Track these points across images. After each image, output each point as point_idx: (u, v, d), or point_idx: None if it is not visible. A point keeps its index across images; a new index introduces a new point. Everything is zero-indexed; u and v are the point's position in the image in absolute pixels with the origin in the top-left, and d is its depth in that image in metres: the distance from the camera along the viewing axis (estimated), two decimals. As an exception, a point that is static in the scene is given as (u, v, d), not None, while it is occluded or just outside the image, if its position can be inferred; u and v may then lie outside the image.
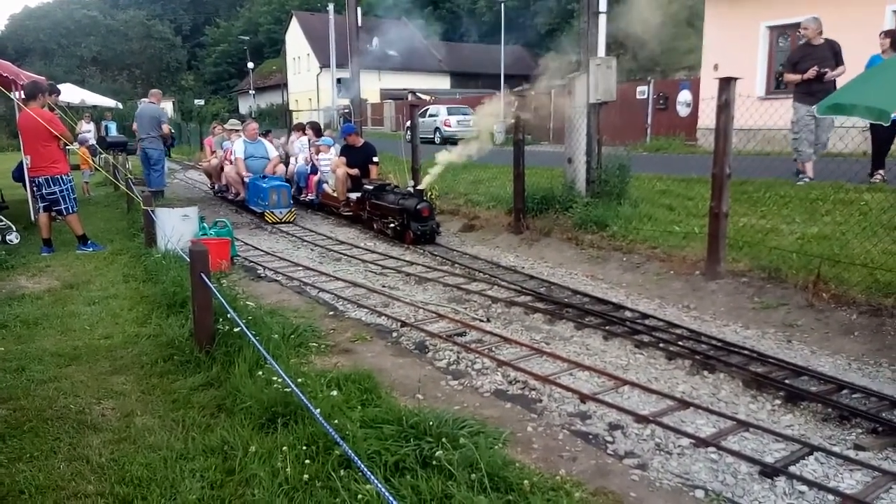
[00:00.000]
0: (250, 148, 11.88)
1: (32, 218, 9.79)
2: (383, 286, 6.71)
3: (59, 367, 4.31)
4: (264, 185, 10.93)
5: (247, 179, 11.41)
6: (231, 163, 12.38)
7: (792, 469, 3.09)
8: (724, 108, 5.73)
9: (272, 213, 10.63)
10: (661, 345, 4.70)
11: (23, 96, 8.06)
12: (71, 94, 20.17)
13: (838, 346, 4.67)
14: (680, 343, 4.74)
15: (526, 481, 2.70)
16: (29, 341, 4.81)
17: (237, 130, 13.27)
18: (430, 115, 28.62)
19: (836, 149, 7.93)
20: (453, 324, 5.43)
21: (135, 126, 13.05)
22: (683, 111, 19.40)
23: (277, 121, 37.90)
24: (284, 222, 10.58)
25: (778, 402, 3.86)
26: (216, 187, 14.08)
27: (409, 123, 11.76)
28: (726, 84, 5.74)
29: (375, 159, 11.05)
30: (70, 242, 8.37)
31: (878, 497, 2.87)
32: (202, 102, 58.82)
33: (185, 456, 3.11)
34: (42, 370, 4.23)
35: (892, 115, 3.68)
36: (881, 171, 8.44)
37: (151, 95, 13.27)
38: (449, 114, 28.10)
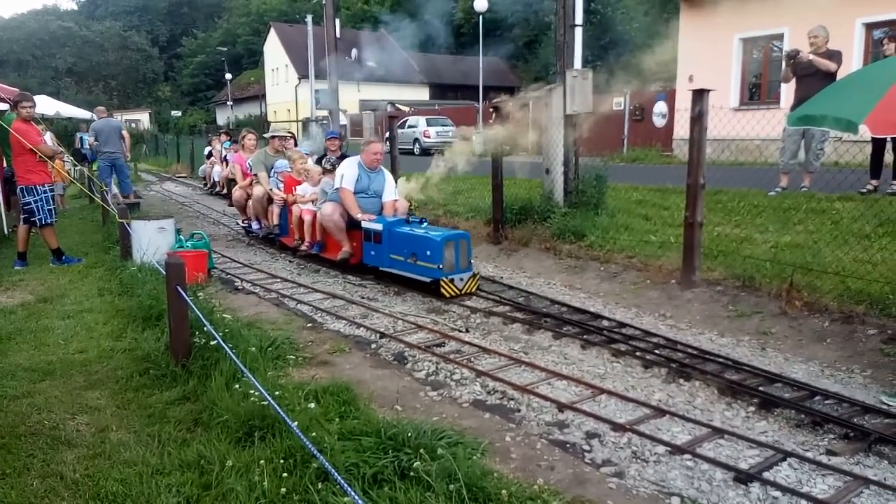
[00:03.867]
0: (365, 178, 7.54)
1: (5, 231, 9.66)
2: (362, 297, 6.71)
3: (32, 382, 4.25)
4: (432, 235, 6.42)
5: (366, 221, 7.18)
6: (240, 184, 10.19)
7: (766, 475, 3.14)
8: (698, 119, 5.81)
9: (449, 281, 6.25)
10: (637, 353, 4.74)
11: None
12: (46, 105, 19.92)
13: (811, 353, 4.74)
14: (656, 352, 4.79)
15: (504, 491, 2.71)
16: (1, 356, 4.74)
17: (282, 137, 10.12)
18: (410, 126, 28.69)
19: (842, 160, 8.00)
20: (432, 334, 5.44)
21: (93, 140, 13.59)
22: (659, 122, 19.64)
23: (256, 132, 37.72)
24: (466, 293, 6.43)
25: (752, 409, 3.91)
26: (255, 226, 9.91)
27: (388, 134, 11.64)
28: (700, 96, 5.83)
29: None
30: (44, 256, 8.27)
31: (849, 501, 2.91)
32: (179, 114, 58.48)
33: (160, 471, 3.08)
34: (15, 385, 4.17)
35: (860, 126, 3.75)
36: (873, 181, 8.48)
37: (101, 111, 14.33)
38: (428, 125, 28.20)
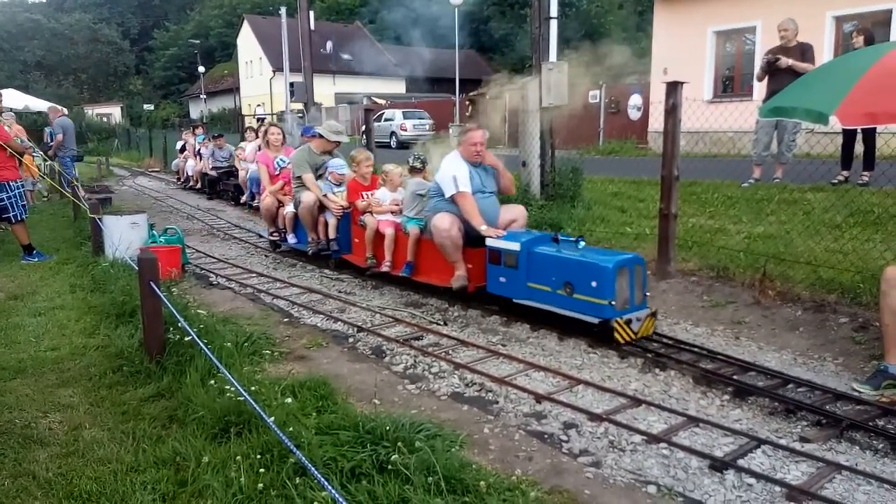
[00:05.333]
0: (476, 176, 5.87)
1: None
2: (339, 291, 6.67)
3: (2, 380, 4.17)
4: (599, 259, 4.77)
5: (492, 238, 5.42)
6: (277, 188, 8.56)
7: (740, 462, 3.18)
8: (672, 111, 5.85)
9: (625, 323, 4.64)
10: (613, 344, 4.78)
11: None
12: (14, 99, 19.53)
13: (784, 342, 4.81)
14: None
15: (482, 482, 2.72)
16: (-30, 355, 4.65)
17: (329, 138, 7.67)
18: (386, 120, 28.60)
19: (814, 151, 8.10)
20: (410, 328, 5.43)
21: (61, 138, 13.93)
22: (634, 115, 19.78)
23: (230, 125, 37.37)
24: (641, 337, 4.80)
25: (727, 397, 3.96)
26: (292, 239, 8.21)
27: (364, 127, 11.53)
28: (673, 88, 5.87)
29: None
30: (14, 252, 8.12)
31: (822, 487, 2.96)
32: (151, 107, 57.68)
33: (135, 468, 3.04)
34: (-16, 385, 4.09)
35: (831, 118, 3.80)
36: (844, 172, 8.59)
37: (56, 110, 14.90)
38: (405, 118, 28.12)
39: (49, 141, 18.04)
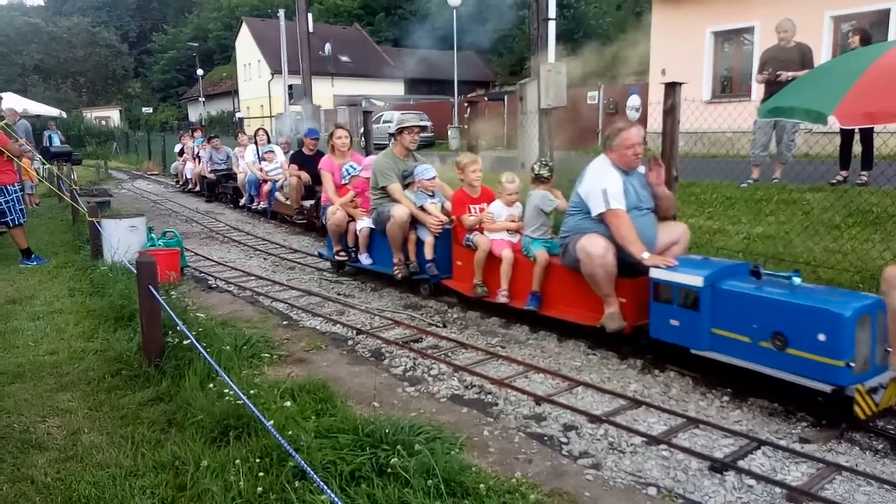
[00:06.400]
0: (631, 189, 4.73)
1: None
2: (338, 294, 6.67)
3: (1, 385, 4.16)
4: (829, 303, 3.53)
5: (660, 268, 4.25)
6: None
7: (740, 464, 3.18)
8: (670, 112, 5.84)
9: (865, 391, 3.38)
10: (615, 345, 4.77)
11: None
12: (12, 103, 19.52)
13: (783, 342, 4.79)
14: (632, 343, 4.81)
15: (482, 485, 2.71)
16: (-32, 360, 4.64)
17: (414, 129, 6.76)
18: (385, 122, 28.58)
19: (812, 151, 8.09)
20: (409, 330, 5.43)
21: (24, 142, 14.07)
22: (633, 116, 19.76)
23: (228, 128, 37.36)
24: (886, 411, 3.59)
25: (726, 398, 3.95)
26: (366, 260, 7.13)
27: (362, 130, 11.51)
28: (672, 89, 5.86)
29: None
30: (12, 256, 8.11)
31: (822, 488, 2.96)
32: (150, 110, 57.65)
33: (134, 473, 3.03)
34: (-17, 389, 4.08)
35: (829, 118, 3.80)
36: (843, 172, 8.59)
37: (14, 114, 14.35)
38: (403, 120, 28.04)
39: (48, 144, 18.07)
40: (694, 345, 4.06)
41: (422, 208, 6.27)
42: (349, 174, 7.50)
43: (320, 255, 7.95)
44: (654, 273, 4.23)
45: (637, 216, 4.58)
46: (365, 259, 7.06)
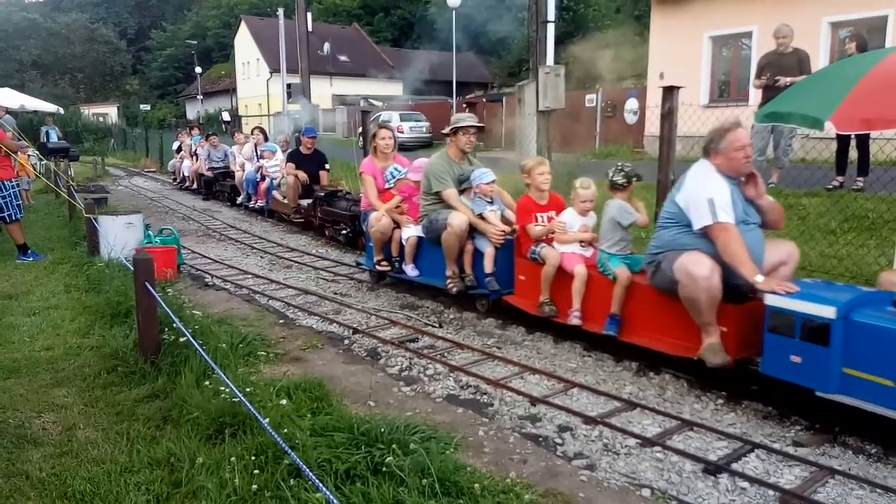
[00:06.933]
0: (738, 199, 4.14)
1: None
2: (335, 293, 6.67)
3: (-4, 380, 4.16)
4: None
5: (778, 294, 3.61)
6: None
7: (734, 466, 3.19)
8: (668, 115, 5.87)
9: None
10: (609, 349, 4.78)
11: None
12: (10, 99, 19.48)
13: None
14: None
15: (477, 485, 2.72)
16: (-36, 355, 4.64)
17: (471, 130, 6.19)
18: (383, 122, 28.59)
19: (809, 156, 8.09)
20: (406, 330, 5.43)
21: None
22: (631, 119, 19.80)
23: (226, 126, 37.33)
24: None
25: (721, 401, 3.97)
26: (412, 271, 6.50)
27: (361, 129, 11.47)
28: (669, 93, 5.89)
29: (326, 166, 10.96)
30: (8, 252, 8.09)
31: (815, 491, 2.97)
32: (148, 108, 57.57)
33: (129, 469, 3.03)
34: (-22, 384, 4.08)
35: (826, 123, 3.82)
36: (839, 178, 8.61)
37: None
38: (401, 120, 28.11)
39: (45, 140, 18.04)
40: (820, 386, 3.48)
41: (481, 216, 5.68)
42: (394, 177, 6.81)
43: (358, 265, 7.43)
44: (772, 300, 3.63)
45: (744, 231, 3.96)
46: (411, 270, 6.44)
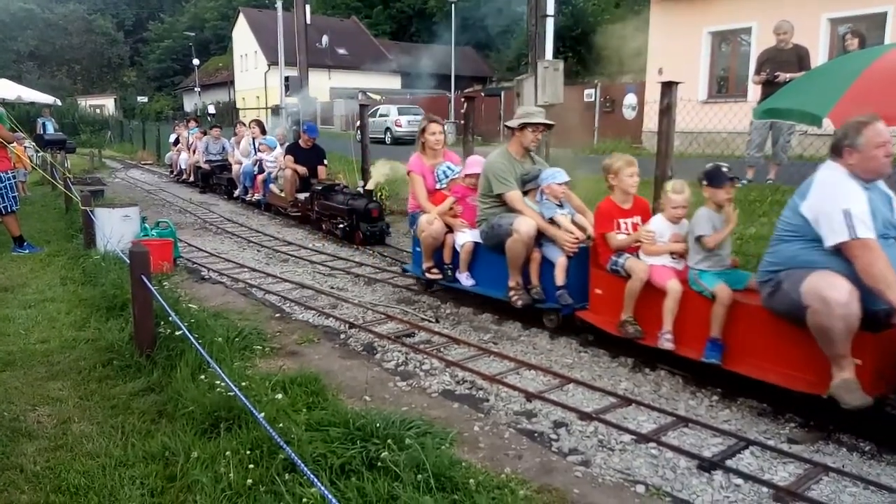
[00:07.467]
0: (879, 209, 3.49)
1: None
2: (332, 287, 6.67)
3: (-9, 373, 4.15)
4: None
5: None
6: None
7: (728, 463, 3.20)
8: (666, 111, 5.86)
9: None
10: (604, 344, 4.78)
11: None
12: (6, 90, 19.41)
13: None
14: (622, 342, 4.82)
15: (472, 480, 2.72)
16: (-41, 347, 4.62)
17: (539, 127, 5.63)
18: (381, 115, 28.53)
19: (807, 153, 8.07)
20: (402, 325, 5.43)
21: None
22: (629, 114, 19.80)
23: (224, 119, 37.23)
24: None
25: (716, 398, 3.97)
26: (467, 281, 5.96)
27: (358, 123, 11.45)
28: (668, 88, 5.87)
29: (325, 161, 10.93)
30: (4, 244, 8.07)
31: (808, 488, 2.98)
32: (145, 99, 57.38)
33: (124, 463, 3.03)
34: (-27, 377, 4.07)
35: (825, 120, 3.82)
36: None
37: None
38: (400, 114, 28.08)
39: (42, 131, 17.97)
40: None
41: (551, 221, 5.14)
42: (446, 177, 6.21)
43: (404, 271, 6.81)
44: None
45: (885, 247, 3.32)
46: (466, 279, 5.89)
